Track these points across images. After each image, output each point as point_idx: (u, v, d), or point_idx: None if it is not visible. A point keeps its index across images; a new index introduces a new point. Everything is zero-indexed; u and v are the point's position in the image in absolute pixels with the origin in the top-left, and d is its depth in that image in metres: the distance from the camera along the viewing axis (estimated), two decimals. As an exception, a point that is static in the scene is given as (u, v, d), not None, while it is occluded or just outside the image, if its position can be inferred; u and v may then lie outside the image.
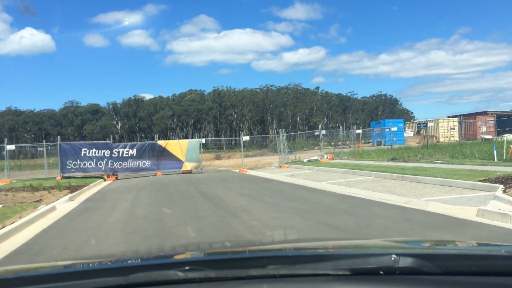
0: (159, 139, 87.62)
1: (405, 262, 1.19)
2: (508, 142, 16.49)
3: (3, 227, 7.59)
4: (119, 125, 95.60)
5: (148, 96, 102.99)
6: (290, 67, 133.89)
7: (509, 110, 59.99)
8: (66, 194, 13.14)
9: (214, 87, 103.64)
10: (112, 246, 5.69)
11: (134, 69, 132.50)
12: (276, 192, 11.62)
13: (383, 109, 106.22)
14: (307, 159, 25.31)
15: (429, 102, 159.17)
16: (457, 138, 41.61)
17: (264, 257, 1.46)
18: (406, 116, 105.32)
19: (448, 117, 50.26)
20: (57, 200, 11.86)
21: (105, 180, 19.98)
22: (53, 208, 10.29)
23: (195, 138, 34.26)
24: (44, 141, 25.43)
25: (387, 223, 6.45)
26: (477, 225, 6.13)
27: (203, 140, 27.94)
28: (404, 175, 12.96)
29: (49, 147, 22.70)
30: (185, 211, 8.62)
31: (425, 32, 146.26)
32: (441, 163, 16.55)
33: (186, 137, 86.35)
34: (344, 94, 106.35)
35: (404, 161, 18.91)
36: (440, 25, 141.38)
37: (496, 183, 9.56)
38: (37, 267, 1.61)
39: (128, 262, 1.49)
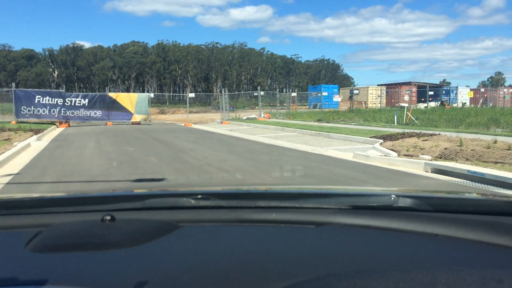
0: (99, 90, 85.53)
1: (404, 201, 1.25)
2: (408, 110, 20.21)
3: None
4: (56, 73, 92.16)
5: (87, 45, 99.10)
6: (237, 24, 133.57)
7: (436, 82, 66.19)
8: (32, 135, 14.97)
9: (158, 40, 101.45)
10: (99, 166, 8.14)
11: (71, 14, 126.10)
12: (216, 140, 14.34)
13: (325, 74, 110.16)
14: (246, 117, 28.13)
15: (370, 69, 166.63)
16: (384, 105, 46.26)
17: (270, 192, 1.53)
18: (346, 82, 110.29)
19: (378, 85, 54.96)
20: (26, 139, 13.74)
21: (57, 126, 21.55)
22: (28, 145, 12.27)
23: (136, 91, 35.77)
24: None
25: (291, 160, 9.40)
26: (349, 162, 9.23)
27: (152, 95, 29.78)
28: (320, 132, 16.13)
29: (2, 93, 23.60)
30: (145, 149, 11.12)
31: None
32: (354, 124, 20.01)
33: (127, 90, 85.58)
34: (289, 57, 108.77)
35: (327, 122, 22.24)
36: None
37: (381, 139, 12.85)
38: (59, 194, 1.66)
39: (144, 191, 1.61)
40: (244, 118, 27.86)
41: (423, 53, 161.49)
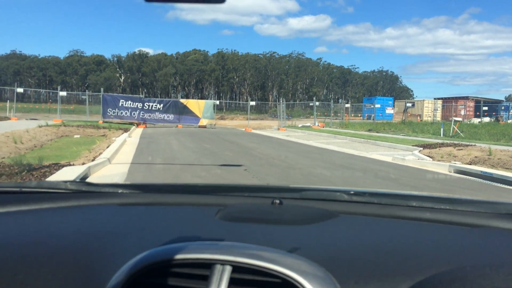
0: (160, 96, 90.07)
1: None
2: (455, 124, 21.44)
3: (108, 146, 12.50)
4: (122, 78, 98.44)
5: (151, 52, 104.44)
6: (294, 34, 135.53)
7: (499, 98, 64.71)
8: (123, 133, 18.05)
9: (218, 49, 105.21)
10: (190, 155, 10.70)
11: (136, 22, 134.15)
12: (275, 143, 16.66)
13: (383, 85, 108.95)
14: (301, 125, 30.30)
15: (431, 81, 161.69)
16: (439, 118, 46.56)
17: (422, 196, 1.58)
18: (405, 93, 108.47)
19: (434, 99, 55.03)
20: (119, 135, 16.76)
21: (136, 126, 24.88)
22: (125, 140, 15.19)
23: (195, 98, 38.94)
24: (48, 88, 30.10)
25: (338, 159, 11.48)
26: (387, 163, 11.15)
27: (218, 102, 32.83)
28: (368, 140, 17.97)
29: (90, 97, 27.57)
30: (219, 146, 13.65)
31: (433, 9, 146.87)
32: (402, 135, 21.55)
33: (187, 96, 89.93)
34: (346, 67, 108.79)
35: (377, 132, 23.89)
36: (450, 3, 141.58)
37: (421, 147, 14.52)
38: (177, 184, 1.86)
39: (300, 186, 1.78)
40: (299, 126, 30.03)
41: (489, 66, 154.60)
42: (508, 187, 7.97)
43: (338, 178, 8.21)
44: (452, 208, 1.32)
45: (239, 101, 79.75)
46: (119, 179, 7.05)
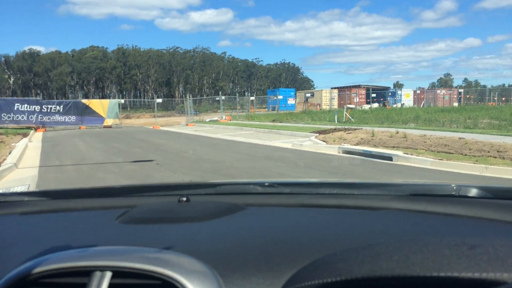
0: (56, 97, 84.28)
1: (466, 190, 1.25)
2: (346, 110, 23.78)
3: (10, 152, 12.08)
4: (12, 79, 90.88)
5: (42, 49, 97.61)
6: (197, 28, 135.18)
7: (388, 85, 71.48)
8: (22, 138, 17.22)
9: (118, 45, 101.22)
10: (100, 155, 10.86)
11: (23, 19, 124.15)
12: (184, 138, 17.21)
13: (286, 77, 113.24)
14: (209, 120, 31.01)
15: (329, 71, 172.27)
16: (336, 106, 50.25)
17: (332, 182, 1.58)
18: (306, 84, 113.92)
19: (331, 88, 59.15)
20: (19, 141, 16.03)
21: (35, 131, 23.63)
22: (26, 145, 14.63)
23: (96, 97, 37.90)
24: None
25: (244, 149, 12.44)
26: (287, 149, 12.37)
27: (122, 101, 32.19)
28: (272, 130, 19.30)
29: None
30: (128, 144, 13.85)
31: (328, 2, 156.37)
32: (303, 123, 23.34)
33: (87, 96, 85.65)
34: (250, 60, 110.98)
35: (280, 122, 25.46)
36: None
37: (317, 133, 16.10)
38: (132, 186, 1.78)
39: (216, 181, 1.74)
40: (207, 120, 30.72)
41: (380, 56, 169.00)
42: (382, 160, 9.54)
43: (243, 164, 9.12)
44: (358, 192, 1.38)
45: (144, 98, 78.05)
46: (31, 182, 7.18)
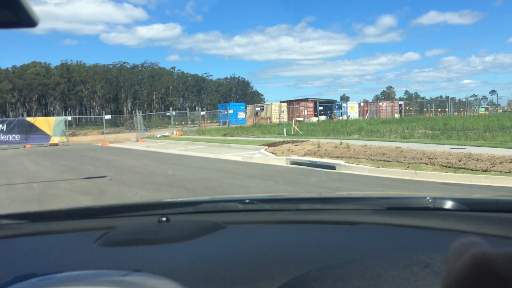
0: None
1: (441, 203, 1.25)
2: (295, 123, 24.73)
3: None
4: None
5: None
6: (144, 42, 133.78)
7: (335, 98, 74.42)
8: (-38, 158, 16.54)
9: (62, 60, 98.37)
10: (51, 173, 10.79)
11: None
12: (135, 154, 17.25)
13: (236, 91, 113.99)
14: (160, 135, 30.96)
15: (279, 85, 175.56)
16: (285, 119, 51.51)
17: (311, 198, 1.60)
18: (257, 98, 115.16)
19: (281, 102, 60.60)
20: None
21: (-25, 151, 22.63)
22: (-32, 165, 14.14)
23: (38, 115, 36.79)
24: None
25: (196, 162, 12.78)
26: (237, 162, 12.85)
27: (69, 118, 31.38)
28: (223, 144, 19.74)
29: None
30: (79, 162, 13.77)
31: (275, 18, 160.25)
32: (253, 137, 23.97)
33: (29, 114, 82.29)
34: (200, 75, 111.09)
35: (231, 136, 25.95)
36: (289, 12, 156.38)
37: (267, 146, 16.72)
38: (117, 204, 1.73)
39: (197, 198, 1.73)
40: (158, 136, 30.64)
41: (327, 70, 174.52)
42: (326, 170, 10.25)
43: (196, 176, 9.49)
44: (337, 207, 1.40)
45: (90, 115, 76.05)
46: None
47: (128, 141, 29.60)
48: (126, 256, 1.05)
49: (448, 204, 1.26)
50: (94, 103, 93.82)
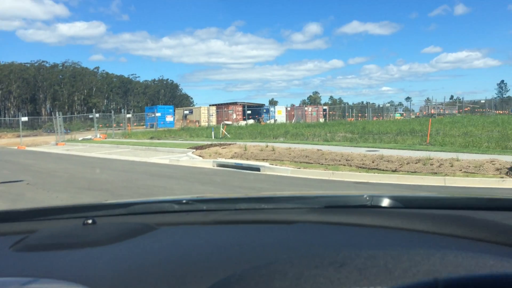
0: None
1: (377, 200, 1.28)
2: (223, 127, 24.99)
3: None
4: None
5: None
6: (66, 40, 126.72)
7: (264, 102, 75.79)
8: None
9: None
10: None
11: None
12: (55, 158, 16.43)
13: (165, 93, 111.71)
14: (82, 138, 29.61)
15: (208, 88, 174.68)
16: (214, 123, 51.63)
17: (250, 197, 1.57)
18: (185, 101, 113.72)
19: (210, 105, 60.61)
20: None
21: None
22: None
23: None
24: None
25: (120, 166, 12.53)
26: (164, 165, 12.79)
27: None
28: (150, 147, 19.44)
29: None
30: (-10, 167, 12.86)
31: (205, 20, 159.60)
32: (181, 140, 23.82)
33: None
34: (126, 76, 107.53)
35: (158, 139, 25.55)
36: (218, 15, 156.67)
37: (194, 149, 16.78)
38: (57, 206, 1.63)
39: (130, 200, 1.66)
40: (80, 139, 29.29)
41: (256, 74, 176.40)
42: (251, 171, 10.60)
43: (119, 178, 9.35)
44: (275, 206, 1.38)
45: (5, 117, 70.65)
46: None
47: (47, 144, 27.97)
48: (43, 262, 0.99)
49: (385, 202, 1.29)
50: (9, 104, 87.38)
